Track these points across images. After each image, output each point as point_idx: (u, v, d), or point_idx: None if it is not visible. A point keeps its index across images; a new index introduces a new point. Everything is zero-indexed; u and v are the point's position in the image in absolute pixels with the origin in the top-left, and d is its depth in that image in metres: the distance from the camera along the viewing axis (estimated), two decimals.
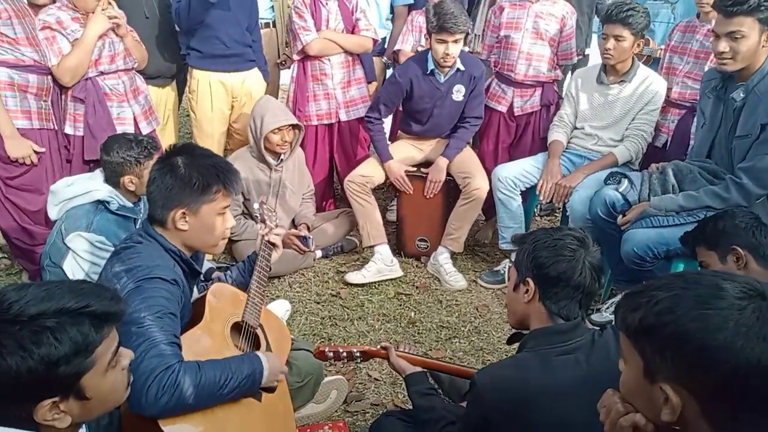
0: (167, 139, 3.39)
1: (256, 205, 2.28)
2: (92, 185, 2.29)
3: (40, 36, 2.70)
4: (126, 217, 2.28)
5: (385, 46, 3.89)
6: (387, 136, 3.48)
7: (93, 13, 2.76)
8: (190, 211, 1.68)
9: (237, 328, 1.84)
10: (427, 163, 3.36)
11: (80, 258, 2.15)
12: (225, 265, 2.23)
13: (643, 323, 0.91)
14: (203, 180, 1.67)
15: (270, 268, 2.06)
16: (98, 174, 2.36)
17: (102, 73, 2.85)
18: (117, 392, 1.14)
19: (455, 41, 2.98)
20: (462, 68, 3.13)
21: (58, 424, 1.04)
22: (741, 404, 0.86)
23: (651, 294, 0.92)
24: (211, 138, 3.43)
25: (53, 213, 2.31)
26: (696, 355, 0.85)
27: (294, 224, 3.38)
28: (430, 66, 3.11)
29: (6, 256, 3.23)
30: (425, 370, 1.87)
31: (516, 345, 1.70)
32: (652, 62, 3.36)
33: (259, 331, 1.90)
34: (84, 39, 2.74)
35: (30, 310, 1.00)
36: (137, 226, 1.90)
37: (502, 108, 3.40)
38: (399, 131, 3.53)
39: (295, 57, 3.42)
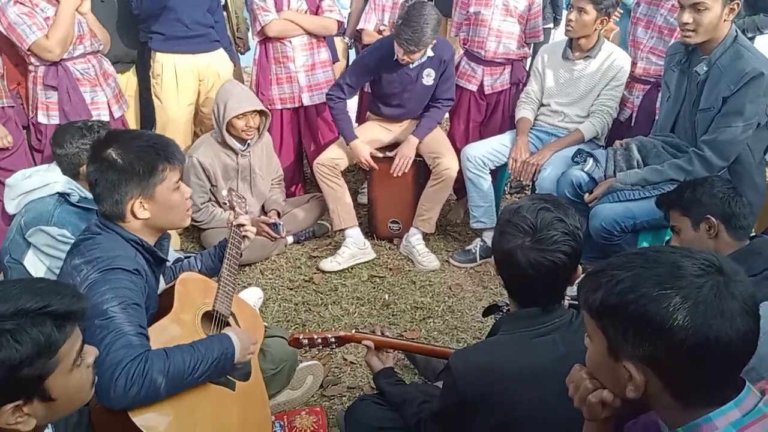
0: (130, 125, 3.30)
1: (224, 192, 2.23)
2: (51, 177, 2.21)
3: (14, 12, 2.64)
4: (87, 209, 2.21)
5: (346, 25, 3.82)
6: (354, 118, 3.42)
7: None
8: (146, 198, 1.63)
9: (208, 317, 1.81)
10: (397, 145, 3.33)
11: (41, 253, 2.08)
12: (192, 254, 2.18)
13: (604, 303, 0.92)
14: (145, 163, 1.61)
15: (240, 255, 2.03)
16: (56, 165, 2.28)
17: (72, 57, 2.79)
18: (83, 391, 1.12)
19: (416, 53, 2.93)
20: (431, 54, 3.07)
21: (22, 427, 1.01)
22: (703, 379, 0.88)
23: (612, 273, 0.92)
24: (176, 123, 3.34)
25: (11, 207, 2.22)
26: (657, 335, 0.86)
27: (264, 210, 3.34)
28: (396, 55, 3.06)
29: None
30: (395, 352, 1.88)
31: (491, 323, 1.72)
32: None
33: (231, 320, 1.88)
34: (62, 12, 2.71)
35: None
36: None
37: (473, 87, 3.39)
38: (368, 113, 3.49)
39: (255, 38, 3.33)
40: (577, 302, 1.56)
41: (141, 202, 1.63)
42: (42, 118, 2.82)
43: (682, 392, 0.90)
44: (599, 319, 0.94)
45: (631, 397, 0.93)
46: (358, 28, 3.65)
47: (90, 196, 2.24)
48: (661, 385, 0.90)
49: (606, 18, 2.93)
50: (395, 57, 3.02)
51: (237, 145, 3.13)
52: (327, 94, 3.22)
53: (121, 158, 1.60)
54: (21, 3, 2.67)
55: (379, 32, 3.51)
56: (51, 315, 1.01)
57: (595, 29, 2.96)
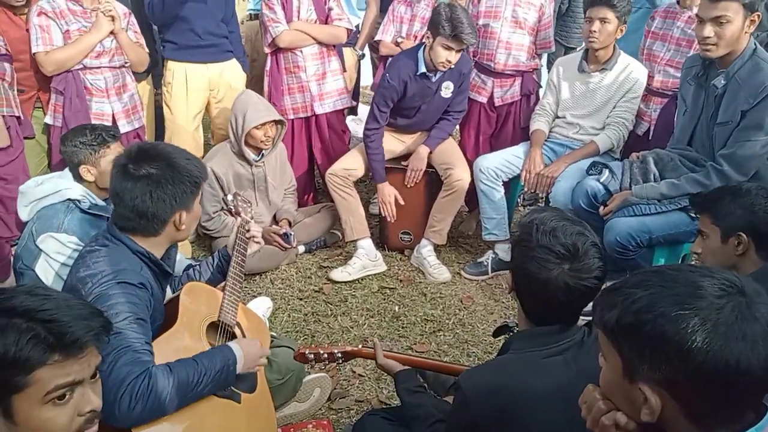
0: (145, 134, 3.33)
1: (229, 197, 2.22)
2: (63, 184, 2.22)
3: (35, 21, 2.72)
4: (99, 216, 2.21)
5: (358, 35, 3.81)
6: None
7: (92, 7, 2.80)
8: (187, 210, 1.69)
9: (214, 327, 1.80)
10: (409, 155, 3.32)
11: (51, 260, 2.08)
12: (203, 261, 2.17)
13: (620, 322, 0.89)
14: (194, 179, 1.68)
15: (245, 263, 2.02)
16: (68, 172, 2.29)
17: (85, 67, 2.83)
18: (45, 428, 0.98)
19: (459, 51, 2.92)
20: (452, 66, 3.07)
21: None
22: (721, 404, 0.84)
23: (628, 292, 0.89)
24: (184, 132, 3.33)
25: (24, 214, 2.23)
26: (674, 357, 0.83)
27: (275, 220, 3.33)
28: (421, 68, 3.03)
29: None
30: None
31: (502, 338, 1.68)
32: None
33: (236, 330, 1.86)
34: (84, 41, 2.78)
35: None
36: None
37: (483, 99, 3.37)
38: None
39: (267, 50, 3.34)
40: (590, 317, 1.51)
41: (181, 215, 1.68)
42: (49, 119, 2.88)
43: (700, 416, 0.86)
44: (614, 338, 0.91)
45: (646, 420, 0.89)
46: (375, 39, 3.65)
47: (101, 203, 2.26)
48: (677, 408, 0.86)
49: (624, 26, 2.90)
50: (419, 71, 3.01)
51: (252, 156, 3.13)
52: (365, 130, 3.20)
53: (172, 174, 1.64)
54: (44, 14, 2.73)
55: (397, 44, 3.50)
56: (45, 333, 0.93)
57: (614, 39, 2.93)
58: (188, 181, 1.66)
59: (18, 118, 2.75)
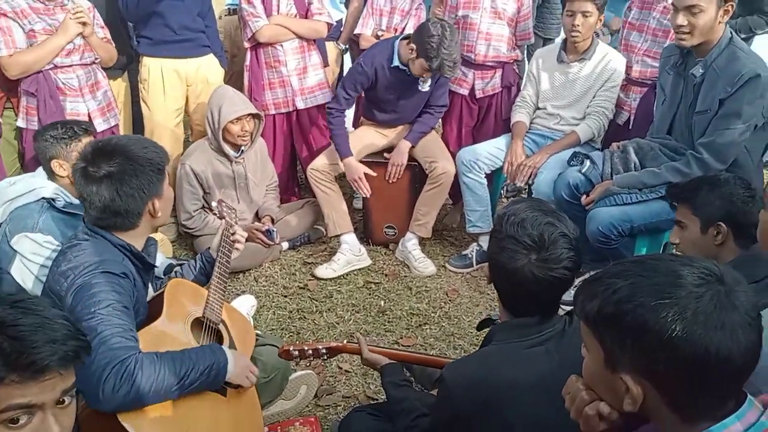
0: (123, 131, 3.27)
1: (214, 203, 2.21)
2: (36, 182, 2.17)
3: None
4: (73, 215, 2.16)
5: (341, 29, 3.79)
6: (350, 123, 3.40)
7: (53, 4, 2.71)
8: (158, 196, 1.67)
9: (198, 324, 1.79)
10: (391, 149, 3.30)
11: (28, 261, 2.04)
12: (185, 261, 2.15)
13: (601, 313, 0.89)
14: (155, 165, 1.65)
15: (229, 263, 2.01)
16: (41, 171, 2.25)
17: (56, 66, 2.75)
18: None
19: None
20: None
21: None
22: (702, 392, 0.84)
23: (609, 282, 0.89)
24: (163, 129, 3.28)
25: None
26: (655, 347, 0.83)
27: (258, 217, 3.30)
28: (395, 62, 3.01)
29: None
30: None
31: (485, 331, 1.68)
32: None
33: (221, 327, 1.85)
34: (50, 43, 2.68)
35: None
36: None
37: (464, 91, 3.36)
38: (362, 118, 3.47)
39: (246, 44, 3.30)
40: (571, 306, 1.51)
41: (154, 202, 1.66)
42: (21, 123, 2.80)
43: (681, 405, 0.86)
44: (596, 329, 0.91)
45: (629, 410, 0.89)
46: (355, 32, 3.62)
47: (75, 201, 2.21)
48: (659, 397, 0.87)
49: (603, 16, 2.92)
50: (393, 63, 3.00)
51: (231, 152, 3.10)
52: (327, 108, 3.19)
53: (134, 164, 1.61)
54: (4, 15, 2.61)
55: (377, 37, 3.48)
56: (9, 350, 0.88)
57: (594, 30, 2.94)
58: (150, 169, 1.63)
59: None
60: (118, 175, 1.59)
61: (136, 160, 1.61)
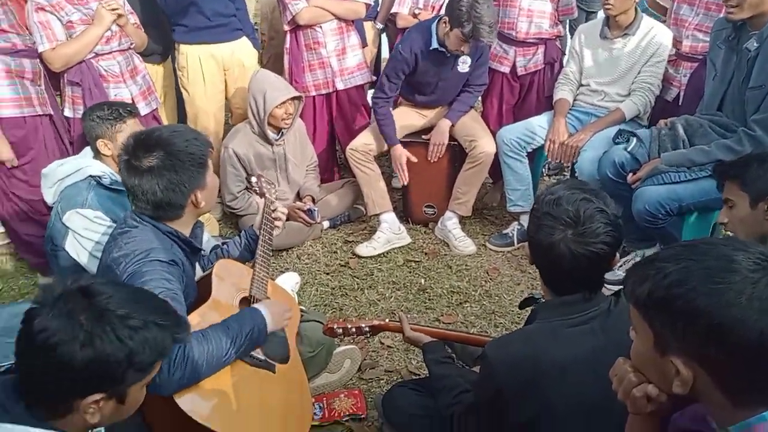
0: (167, 117, 3.34)
1: (254, 179, 2.25)
2: (83, 162, 2.26)
3: (34, 18, 2.64)
4: (120, 191, 2.23)
5: (378, 9, 3.76)
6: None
7: None
8: (201, 188, 1.71)
9: (246, 302, 1.85)
10: (430, 129, 3.29)
11: (80, 236, 2.13)
12: (230, 240, 2.21)
13: (651, 296, 0.89)
14: (197, 159, 1.68)
15: (272, 241, 2.06)
16: (88, 150, 2.33)
17: (97, 54, 2.79)
18: (137, 406, 1.18)
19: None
20: (467, 54, 3.01)
21: (89, 418, 1.07)
22: (756, 376, 0.84)
23: (660, 266, 0.89)
24: (207, 114, 3.35)
25: (49, 197, 2.28)
26: (707, 331, 0.83)
27: (299, 197, 3.36)
28: (434, 44, 2.98)
29: (7, 252, 3.08)
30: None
31: (527, 310, 1.68)
32: None
33: None
34: (88, 34, 2.71)
35: (121, 310, 1.07)
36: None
37: (505, 69, 3.31)
38: (401, 99, 3.45)
39: (286, 27, 3.32)
40: (616, 285, 1.48)
41: (197, 193, 1.70)
42: (68, 112, 2.85)
43: (734, 390, 0.86)
44: (646, 312, 0.91)
45: (678, 392, 0.89)
46: (392, 11, 3.60)
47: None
48: (710, 381, 0.86)
49: None
50: (432, 46, 2.97)
51: (272, 135, 3.14)
52: (372, 99, 3.20)
53: (176, 157, 1.64)
54: (42, 9, 2.64)
55: (414, 15, 3.44)
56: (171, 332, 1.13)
57: (634, 3, 2.84)
58: (191, 164, 1.66)
59: (50, 116, 2.76)
60: (159, 170, 1.63)
61: (177, 155, 1.64)
